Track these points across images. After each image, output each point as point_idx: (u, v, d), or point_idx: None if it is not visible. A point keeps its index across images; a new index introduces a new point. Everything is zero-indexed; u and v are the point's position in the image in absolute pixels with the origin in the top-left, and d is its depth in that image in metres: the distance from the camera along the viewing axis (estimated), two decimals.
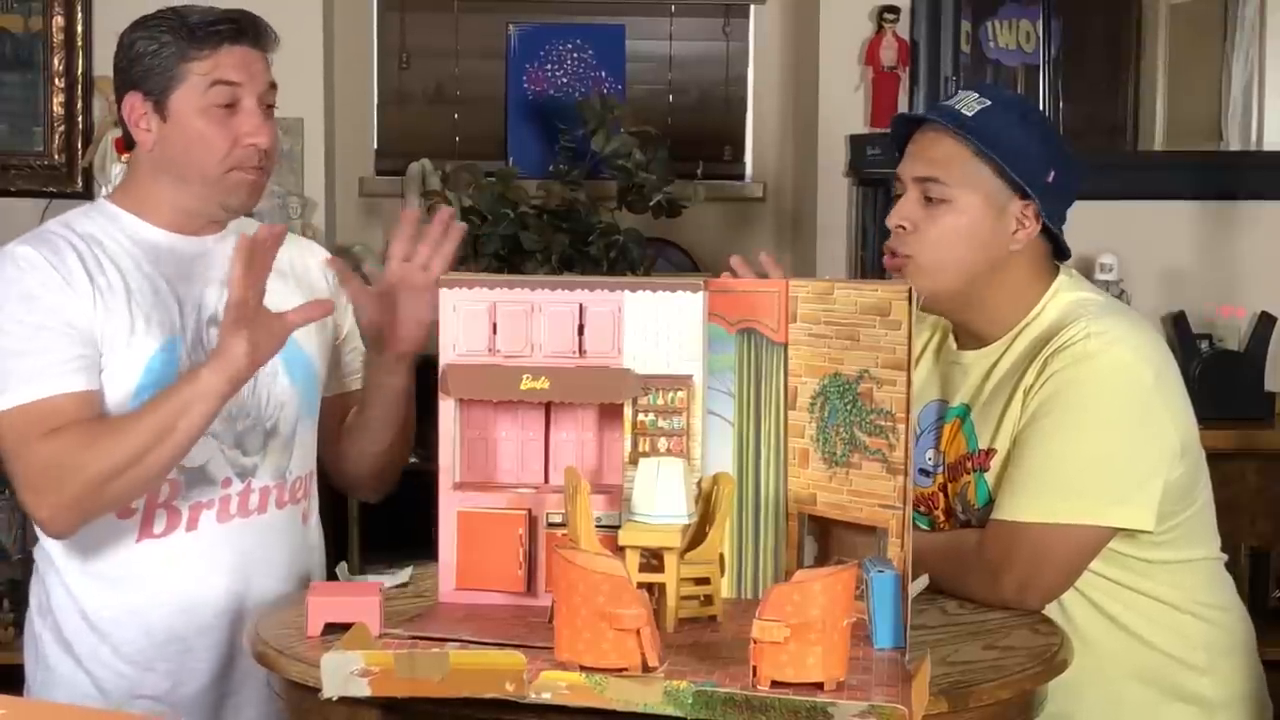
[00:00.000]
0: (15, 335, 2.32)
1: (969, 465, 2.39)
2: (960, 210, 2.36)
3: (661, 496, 2.05)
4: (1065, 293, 2.41)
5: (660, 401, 2.16)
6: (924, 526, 2.46)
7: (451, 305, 2.19)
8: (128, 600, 2.41)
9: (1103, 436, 2.27)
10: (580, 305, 2.17)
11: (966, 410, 2.42)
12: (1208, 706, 2.39)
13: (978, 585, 2.28)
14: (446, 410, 2.20)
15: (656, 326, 2.16)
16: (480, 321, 2.18)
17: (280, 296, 2.47)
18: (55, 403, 2.30)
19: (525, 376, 2.15)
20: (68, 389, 2.31)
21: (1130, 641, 2.36)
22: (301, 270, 2.59)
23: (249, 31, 2.46)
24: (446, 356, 2.19)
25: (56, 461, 2.27)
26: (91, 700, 2.39)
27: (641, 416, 2.16)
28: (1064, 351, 2.30)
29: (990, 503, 2.33)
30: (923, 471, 2.47)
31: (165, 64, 2.41)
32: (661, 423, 2.15)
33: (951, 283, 2.38)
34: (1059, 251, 2.44)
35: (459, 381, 2.18)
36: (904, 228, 2.39)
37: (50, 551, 2.44)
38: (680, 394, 2.15)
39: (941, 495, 2.44)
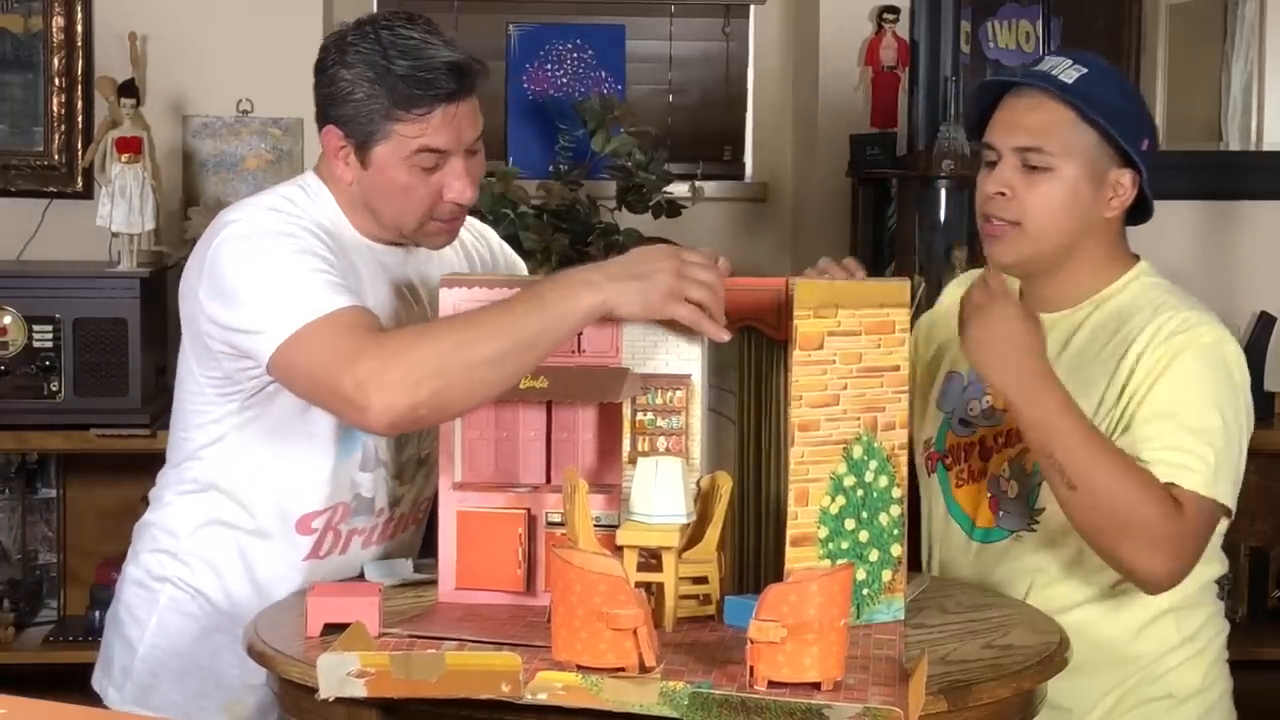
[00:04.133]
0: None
1: (1015, 439, 2.37)
2: (1061, 178, 2.34)
3: (660, 496, 2.05)
4: (1148, 277, 2.41)
5: (659, 400, 2.15)
6: (960, 523, 2.45)
7: (451, 305, 2.19)
8: (264, 587, 2.38)
9: (1233, 421, 2.33)
10: None
11: None
12: (1177, 700, 2.38)
13: (1150, 551, 2.23)
14: None
15: (655, 325, 2.16)
16: None
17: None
18: None
19: (524, 376, 2.15)
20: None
21: (1115, 639, 2.35)
22: (485, 254, 2.58)
23: (462, 88, 2.31)
24: None
25: None
26: (210, 682, 2.40)
27: (640, 416, 2.15)
28: (1182, 335, 2.31)
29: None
30: (963, 421, 2.46)
31: (369, 116, 2.29)
32: (660, 422, 2.15)
33: (1050, 249, 2.37)
34: (1141, 214, 2.43)
35: None
36: (1003, 194, 2.36)
37: (213, 545, 2.41)
38: (679, 393, 2.15)
39: (976, 448, 2.44)
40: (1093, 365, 2.35)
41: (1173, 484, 2.24)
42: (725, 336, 2.13)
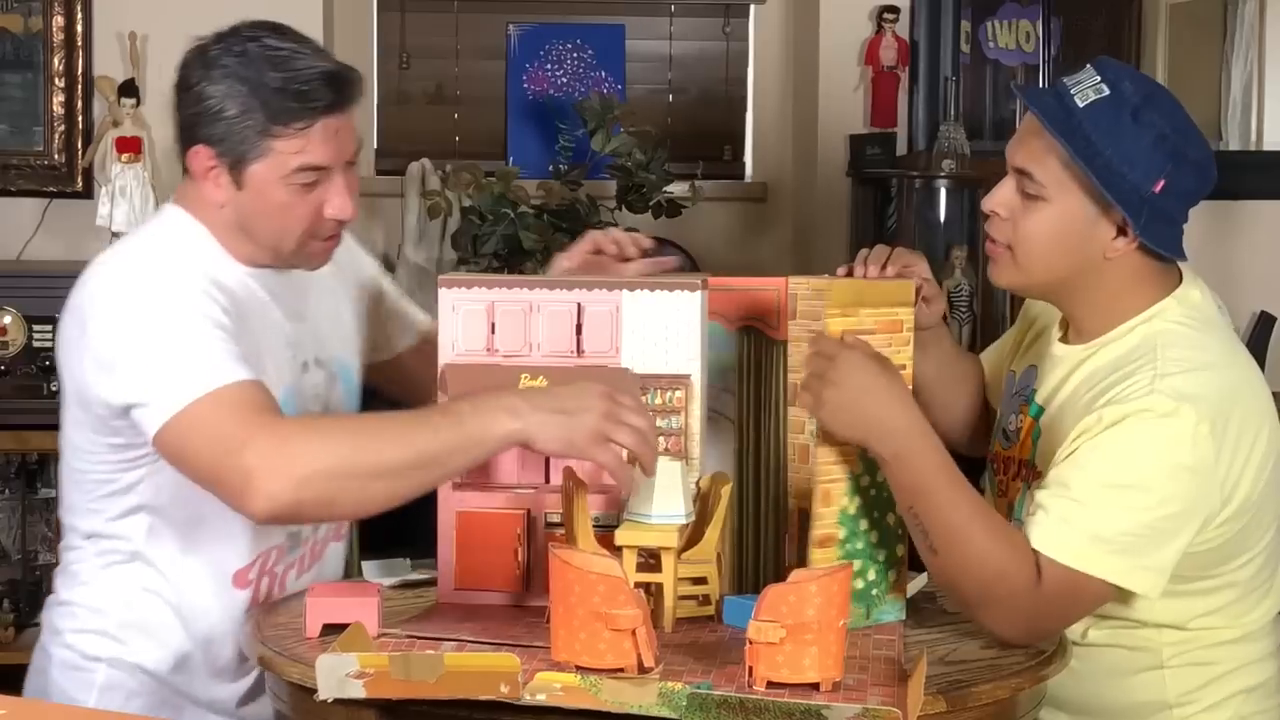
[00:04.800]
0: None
1: (1024, 473, 2.30)
2: (1053, 210, 2.18)
3: (659, 496, 2.05)
4: (1160, 321, 2.20)
5: (658, 401, 2.15)
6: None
7: (450, 305, 2.19)
8: (211, 646, 2.32)
9: (1159, 499, 2.10)
10: (578, 305, 2.17)
11: (1039, 414, 2.30)
12: None
13: (1009, 619, 2.09)
14: None
15: (654, 326, 2.16)
16: (479, 321, 2.18)
17: (336, 295, 2.44)
18: None
19: (524, 376, 2.15)
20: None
21: (1100, 687, 2.26)
22: (349, 264, 2.50)
23: (340, 99, 2.20)
24: (445, 356, 2.19)
25: None
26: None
27: None
28: (1132, 402, 2.11)
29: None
30: (1005, 433, 2.37)
31: (245, 134, 2.17)
32: (660, 422, 2.15)
33: (1042, 279, 2.23)
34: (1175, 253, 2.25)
35: (458, 381, 2.18)
36: (998, 214, 2.24)
37: (148, 615, 2.30)
38: (678, 393, 2.15)
39: (1011, 464, 2.34)
40: (1069, 415, 2.21)
41: (1040, 552, 2.08)
42: (628, 488, 2.06)
